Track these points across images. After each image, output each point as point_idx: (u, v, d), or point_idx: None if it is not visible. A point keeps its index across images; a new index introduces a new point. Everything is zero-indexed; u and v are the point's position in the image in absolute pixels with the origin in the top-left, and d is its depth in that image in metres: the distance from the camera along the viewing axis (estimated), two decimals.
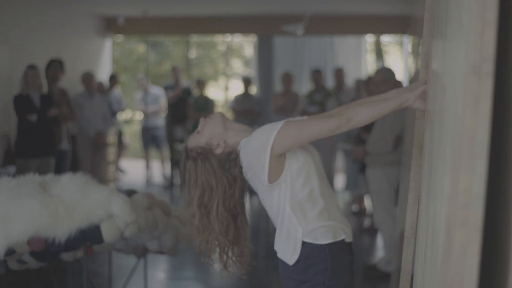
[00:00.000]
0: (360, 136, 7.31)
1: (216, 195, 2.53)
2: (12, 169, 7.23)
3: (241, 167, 2.54)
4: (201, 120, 2.64)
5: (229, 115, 10.54)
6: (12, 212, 3.76)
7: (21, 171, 6.42)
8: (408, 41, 11.62)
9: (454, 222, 1.25)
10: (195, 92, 10.75)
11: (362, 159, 6.53)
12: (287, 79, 9.82)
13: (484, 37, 1.19)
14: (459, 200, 1.23)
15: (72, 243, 3.90)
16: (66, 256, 4.25)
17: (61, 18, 10.21)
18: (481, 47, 1.19)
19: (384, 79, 5.69)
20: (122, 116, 11.55)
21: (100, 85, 9.96)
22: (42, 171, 6.54)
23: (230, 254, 2.64)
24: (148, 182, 11.39)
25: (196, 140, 2.60)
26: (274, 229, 2.60)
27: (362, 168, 7.34)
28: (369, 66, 14.06)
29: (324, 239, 2.47)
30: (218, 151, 2.56)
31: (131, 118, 16.56)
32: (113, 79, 10.87)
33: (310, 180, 2.48)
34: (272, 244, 2.64)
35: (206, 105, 10.40)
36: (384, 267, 5.89)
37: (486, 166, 1.20)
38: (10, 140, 7.92)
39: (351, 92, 9.81)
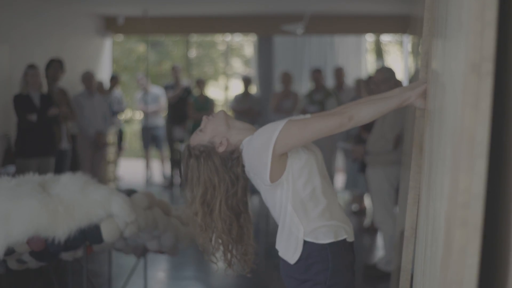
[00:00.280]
0: (360, 135, 7.31)
1: (219, 193, 2.53)
2: (12, 168, 7.23)
3: (243, 166, 2.54)
4: (204, 118, 2.63)
5: (230, 114, 10.53)
6: (12, 211, 3.76)
7: (21, 171, 6.42)
8: (408, 40, 11.62)
9: (454, 222, 1.25)
10: (195, 91, 10.75)
11: (362, 159, 6.52)
12: (286, 78, 9.82)
13: (483, 36, 1.19)
14: (458, 199, 1.23)
15: (71, 242, 3.90)
16: (66, 256, 4.25)
17: (61, 18, 10.21)
18: (480, 46, 1.19)
19: (384, 79, 5.69)
20: (122, 116, 11.55)
21: (100, 85, 9.96)
22: (42, 170, 6.54)
23: (234, 252, 2.63)
24: (148, 181, 11.39)
25: (199, 138, 2.60)
26: (274, 229, 2.60)
27: (362, 167, 7.34)
28: (369, 65, 14.06)
29: (325, 239, 2.46)
30: (221, 149, 2.56)
31: (131, 118, 16.56)
32: (114, 79, 10.86)
33: (312, 179, 2.48)
34: (272, 243, 2.64)
35: (206, 105, 10.40)
36: (384, 267, 5.89)
37: (485, 166, 1.20)
38: (10, 139, 7.92)
39: (351, 92, 9.81)
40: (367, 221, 8.14)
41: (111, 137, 10.09)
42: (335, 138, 8.75)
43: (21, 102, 7.03)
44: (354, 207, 8.82)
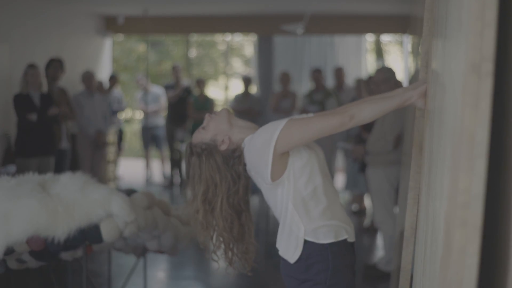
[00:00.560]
0: (360, 135, 7.31)
1: (220, 191, 2.53)
2: (12, 168, 7.23)
3: (245, 165, 2.54)
4: (207, 116, 2.63)
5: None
6: (11, 211, 3.76)
7: (21, 170, 6.42)
8: (408, 40, 11.62)
9: (454, 222, 1.25)
10: (195, 91, 10.75)
11: (362, 159, 6.52)
12: (285, 78, 9.83)
13: (483, 36, 1.19)
14: (458, 200, 1.23)
15: (71, 242, 3.90)
16: (66, 256, 4.25)
17: (61, 17, 10.21)
18: (480, 46, 1.19)
19: (384, 79, 5.69)
20: (122, 115, 11.55)
21: (100, 84, 9.96)
22: (42, 170, 6.54)
23: (235, 250, 2.63)
24: (148, 181, 11.39)
25: (201, 136, 2.60)
26: (274, 229, 2.60)
27: (362, 167, 7.34)
28: (369, 65, 14.06)
29: (325, 239, 2.46)
30: (223, 147, 2.55)
31: (131, 118, 16.56)
32: (113, 79, 10.86)
33: (314, 179, 2.47)
34: (272, 243, 2.64)
35: (206, 105, 10.40)
36: (384, 267, 5.89)
37: (485, 166, 1.20)
38: (10, 139, 7.92)
39: (351, 92, 9.81)
40: (367, 221, 8.14)
41: (111, 137, 10.09)
42: (335, 138, 8.75)
43: (21, 102, 7.03)
44: (354, 207, 8.82)
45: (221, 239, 2.59)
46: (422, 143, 2.57)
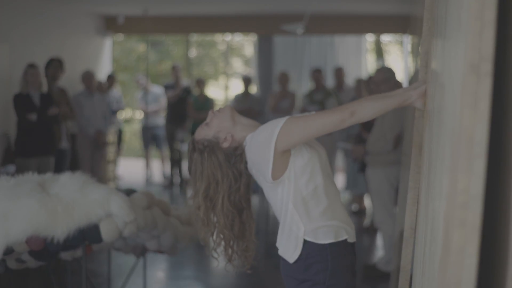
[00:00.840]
0: (360, 135, 7.30)
1: (222, 188, 2.52)
2: (11, 168, 7.23)
3: (246, 163, 2.53)
4: (210, 112, 2.62)
5: None
6: (11, 211, 3.76)
7: (20, 170, 6.42)
8: (408, 40, 11.62)
9: (453, 222, 1.25)
10: (195, 91, 10.75)
11: (362, 159, 6.52)
12: (284, 78, 9.84)
13: (482, 36, 1.18)
14: (457, 200, 1.22)
15: (71, 242, 3.90)
16: (65, 255, 4.25)
17: (61, 17, 10.21)
18: (479, 46, 1.19)
19: (384, 79, 5.69)
20: (122, 115, 11.55)
21: (100, 84, 9.96)
22: (41, 170, 6.54)
23: (235, 248, 2.63)
24: (148, 181, 11.39)
25: (204, 132, 2.59)
26: (274, 229, 2.60)
27: (362, 167, 7.34)
28: (369, 65, 14.06)
29: (325, 239, 2.45)
30: (225, 145, 2.55)
31: (131, 117, 16.56)
32: (111, 78, 10.85)
33: (315, 178, 2.47)
34: (272, 243, 2.64)
35: (206, 104, 10.40)
36: (384, 267, 5.89)
37: (484, 166, 1.20)
38: (10, 139, 7.92)
39: (351, 92, 9.81)
40: (366, 221, 8.14)
41: (111, 137, 10.09)
42: (335, 138, 8.76)
43: (21, 102, 7.03)
44: (354, 207, 8.82)
45: (222, 236, 2.59)
46: (421, 143, 2.57)
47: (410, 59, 10.35)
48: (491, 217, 1.41)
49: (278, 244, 2.54)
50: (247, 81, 10.46)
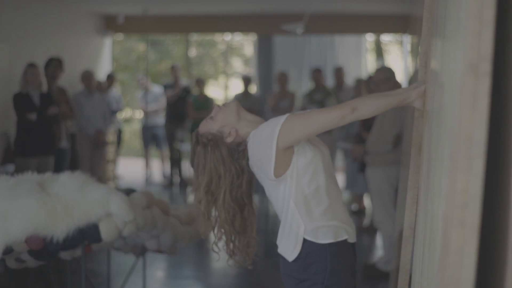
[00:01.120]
0: (360, 135, 7.31)
1: (224, 183, 2.52)
2: (11, 167, 7.23)
3: (248, 160, 2.53)
4: (216, 106, 2.62)
5: None
6: (10, 210, 3.76)
7: (20, 170, 6.42)
8: (408, 40, 11.62)
9: (451, 222, 1.25)
10: (195, 91, 10.75)
11: (362, 159, 6.52)
12: (283, 78, 9.84)
13: (481, 36, 1.18)
14: (456, 200, 1.22)
15: (70, 242, 3.90)
16: (65, 255, 4.25)
17: (61, 17, 10.21)
18: (478, 46, 1.19)
19: (384, 79, 5.69)
20: (122, 115, 11.54)
21: (99, 84, 9.95)
22: (41, 169, 6.54)
23: (236, 243, 2.62)
24: (148, 181, 11.39)
25: (208, 126, 2.58)
26: (274, 228, 2.59)
27: (362, 167, 7.35)
28: (369, 65, 14.06)
29: (325, 239, 2.45)
30: (229, 140, 2.54)
31: (131, 117, 16.56)
32: (110, 78, 10.85)
33: (317, 177, 2.46)
34: (272, 243, 2.64)
35: (206, 104, 10.39)
36: (383, 267, 5.89)
37: (483, 166, 1.20)
38: (10, 138, 7.92)
39: (350, 92, 9.81)
40: (366, 221, 8.14)
41: (111, 136, 10.09)
42: (335, 137, 8.76)
43: (21, 101, 7.03)
44: (354, 207, 8.82)
45: (223, 230, 2.58)
46: (421, 143, 2.57)
47: (409, 59, 10.35)
48: (490, 217, 1.41)
49: (278, 242, 2.54)
50: (247, 80, 10.45)
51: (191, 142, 2.63)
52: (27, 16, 9.04)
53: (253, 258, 2.67)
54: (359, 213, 8.62)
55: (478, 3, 1.18)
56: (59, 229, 3.80)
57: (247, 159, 2.53)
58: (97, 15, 11.53)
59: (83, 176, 4.12)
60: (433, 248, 1.71)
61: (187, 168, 11.09)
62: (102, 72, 11.52)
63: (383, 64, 13.82)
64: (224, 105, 2.61)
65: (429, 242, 1.85)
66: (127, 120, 15.85)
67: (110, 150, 10.21)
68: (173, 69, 10.84)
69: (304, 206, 2.45)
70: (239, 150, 2.53)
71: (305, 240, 2.45)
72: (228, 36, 15.08)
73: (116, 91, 10.99)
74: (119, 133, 11.01)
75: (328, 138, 8.36)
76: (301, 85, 12.48)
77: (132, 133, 16.16)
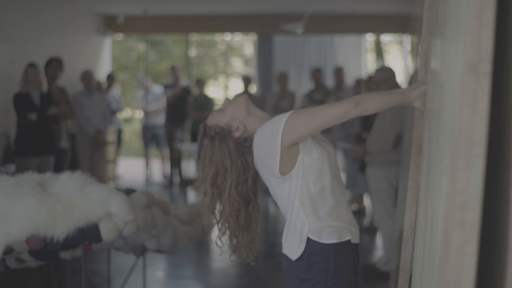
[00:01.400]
0: (360, 135, 7.31)
1: (230, 177, 2.51)
2: (11, 167, 7.23)
3: (253, 157, 2.53)
4: (226, 100, 2.61)
5: None
6: (10, 210, 3.76)
7: (20, 170, 6.42)
8: (408, 40, 11.62)
9: (452, 222, 1.25)
10: (195, 91, 10.75)
11: (362, 158, 6.52)
12: (283, 78, 9.85)
13: (481, 36, 1.18)
14: (456, 200, 1.22)
15: (70, 241, 3.90)
16: (65, 255, 4.25)
17: (61, 17, 10.21)
18: (478, 46, 1.19)
19: (384, 79, 5.69)
20: (122, 115, 11.54)
21: (98, 84, 9.95)
22: (41, 169, 6.53)
23: (240, 238, 2.62)
24: (148, 181, 11.39)
25: (217, 119, 2.57)
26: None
27: (362, 167, 7.35)
28: (369, 65, 14.06)
29: (328, 239, 2.45)
30: (237, 134, 2.53)
31: (131, 117, 16.57)
32: (110, 78, 10.85)
33: (322, 178, 2.45)
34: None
35: (206, 104, 10.40)
36: (383, 267, 5.89)
37: (483, 166, 1.20)
38: (10, 138, 7.92)
39: (350, 91, 9.82)
40: (366, 221, 8.14)
41: (111, 136, 10.09)
42: (334, 137, 8.76)
43: (21, 101, 7.03)
44: (354, 207, 8.82)
45: (227, 225, 2.58)
46: (421, 143, 2.57)
47: (409, 59, 10.35)
48: (490, 217, 1.41)
49: (283, 240, 2.54)
50: (247, 80, 10.46)
51: (198, 134, 2.63)
52: (27, 16, 9.04)
53: (256, 255, 2.67)
54: (359, 213, 8.62)
55: (478, 3, 1.18)
56: (60, 229, 3.80)
57: (253, 156, 2.52)
58: (97, 15, 11.53)
59: (83, 176, 4.12)
60: (433, 248, 1.71)
61: (187, 168, 11.09)
62: (102, 72, 11.52)
63: (383, 64, 13.83)
64: (234, 99, 2.61)
65: (430, 242, 1.85)
66: (127, 120, 15.85)
67: (110, 150, 10.21)
68: (173, 69, 10.85)
69: (309, 205, 2.44)
70: (245, 145, 2.53)
71: (309, 239, 2.45)
72: (228, 36, 15.08)
73: (116, 91, 10.99)
74: (119, 133, 11.01)
75: (328, 138, 8.33)
76: (301, 85, 12.48)
77: (132, 133, 16.16)
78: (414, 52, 6.25)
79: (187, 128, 10.63)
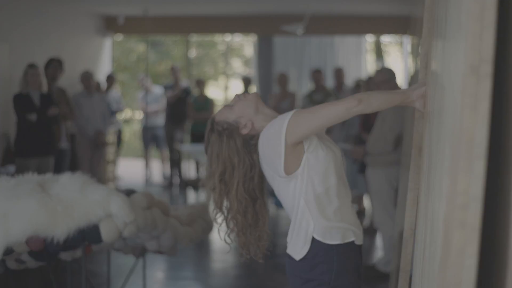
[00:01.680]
0: (360, 136, 7.30)
1: (237, 174, 2.50)
2: (11, 168, 7.23)
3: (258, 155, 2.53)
4: (236, 96, 2.61)
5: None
6: (10, 211, 3.76)
7: (20, 171, 6.41)
8: (408, 41, 11.62)
9: (452, 223, 1.25)
10: (195, 91, 10.75)
11: (362, 159, 6.52)
12: (283, 79, 9.85)
13: (482, 38, 1.19)
14: (457, 201, 1.23)
15: (70, 242, 3.90)
16: (65, 256, 4.25)
17: (61, 17, 10.21)
18: (479, 48, 1.19)
19: (385, 80, 5.69)
20: (121, 115, 11.54)
21: (98, 85, 9.95)
22: (41, 170, 6.53)
23: (248, 235, 2.61)
24: (148, 181, 11.39)
25: (226, 115, 2.57)
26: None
27: (362, 168, 7.35)
28: (369, 66, 14.06)
29: (332, 240, 2.45)
30: (244, 131, 2.53)
31: (130, 118, 16.56)
32: (110, 79, 10.84)
33: (328, 179, 2.45)
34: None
35: (206, 105, 10.40)
36: (383, 267, 5.89)
37: (484, 167, 1.20)
38: (10, 139, 7.92)
39: (350, 92, 9.81)
40: (366, 222, 8.14)
41: (110, 137, 10.09)
42: (334, 138, 8.74)
43: (21, 102, 7.03)
44: (354, 207, 8.81)
45: (235, 221, 2.58)
46: (421, 144, 2.57)
47: (410, 60, 10.36)
48: (491, 218, 1.41)
49: (288, 240, 2.54)
50: (247, 81, 10.46)
51: (205, 129, 2.62)
52: (27, 16, 9.05)
53: (264, 252, 2.67)
54: (358, 214, 8.62)
55: (479, 5, 1.18)
56: (60, 230, 3.80)
57: (258, 155, 2.52)
58: (97, 15, 11.53)
59: (83, 177, 4.12)
60: (433, 249, 1.71)
61: (187, 169, 11.09)
62: (102, 73, 11.52)
63: (384, 65, 13.83)
64: (244, 95, 2.61)
65: (430, 243, 1.85)
66: (127, 121, 15.84)
67: (110, 150, 10.20)
68: (173, 70, 10.84)
69: (314, 205, 2.44)
70: (251, 143, 2.53)
71: (313, 240, 2.45)
72: (228, 37, 15.08)
73: (116, 91, 10.99)
74: (119, 133, 11.00)
75: None
76: (301, 86, 12.48)
77: (132, 133, 16.16)
78: (415, 53, 6.25)
79: (187, 129, 10.63)
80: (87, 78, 9.04)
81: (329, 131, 8.17)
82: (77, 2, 10.20)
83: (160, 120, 11.15)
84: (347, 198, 2.54)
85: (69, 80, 9.32)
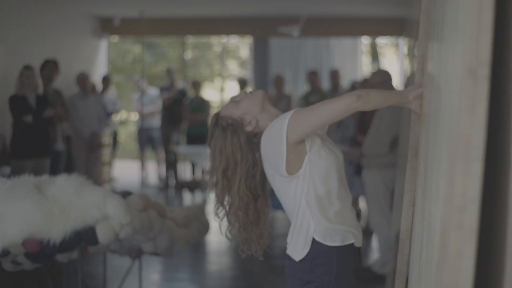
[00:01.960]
0: (355, 138, 7.31)
1: (240, 170, 2.51)
2: (7, 170, 7.22)
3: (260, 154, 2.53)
4: (243, 92, 2.61)
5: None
6: (6, 213, 3.75)
7: (16, 172, 6.40)
8: (404, 43, 11.64)
9: (450, 225, 1.25)
10: (191, 93, 10.74)
11: (358, 161, 6.53)
12: (279, 81, 9.86)
13: (480, 40, 1.19)
14: (454, 203, 1.23)
15: (67, 244, 3.89)
16: (61, 258, 4.24)
17: (57, 19, 10.20)
18: (477, 50, 1.19)
19: (381, 81, 5.70)
20: (117, 117, 11.52)
21: (93, 87, 9.93)
22: (37, 171, 6.52)
23: (249, 232, 2.62)
24: (144, 183, 11.38)
25: (231, 110, 2.57)
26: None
27: (358, 170, 7.35)
28: (365, 68, 14.08)
29: (332, 242, 2.45)
30: (248, 128, 2.53)
31: (126, 119, 16.55)
32: (106, 80, 10.83)
33: (329, 180, 2.46)
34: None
35: (202, 106, 10.39)
36: (379, 269, 5.89)
37: (481, 170, 1.20)
38: (6, 140, 7.91)
39: None
40: (362, 224, 8.15)
41: (106, 138, 10.08)
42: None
43: (17, 103, 7.01)
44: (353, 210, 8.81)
45: (236, 217, 2.58)
46: (417, 146, 2.57)
47: (406, 62, 10.38)
48: (488, 220, 1.42)
49: (288, 241, 2.54)
50: (242, 83, 10.46)
51: (210, 123, 2.62)
52: (23, 18, 9.04)
53: (265, 250, 2.67)
54: None
55: (477, 7, 1.18)
56: (56, 231, 3.79)
57: (260, 153, 2.52)
58: (93, 17, 11.52)
59: (80, 178, 4.12)
60: (430, 251, 1.71)
61: (182, 171, 11.08)
62: (98, 74, 11.51)
63: (379, 67, 13.85)
64: (251, 92, 2.61)
65: (427, 245, 1.85)
66: (123, 122, 15.83)
67: (106, 152, 10.19)
68: (169, 72, 10.83)
69: (316, 206, 2.44)
70: (254, 141, 2.53)
71: (314, 241, 2.45)
72: (224, 39, 15.07)
73: (112, 93, 10.98)
74: (115, 135, 10.99)
75: None
76: (297, 88, 12.49)
77: (127, 135, 16.14)
78: (411, 55, 6.26)
79: (183, 131, 10.62)
80: (83, 79, 9.03)
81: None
82: (73, 4, 10.19)
83: (156, 121, 11.14)
84: (348, 200, 2.55)
85: (65, 82, 9.31)
